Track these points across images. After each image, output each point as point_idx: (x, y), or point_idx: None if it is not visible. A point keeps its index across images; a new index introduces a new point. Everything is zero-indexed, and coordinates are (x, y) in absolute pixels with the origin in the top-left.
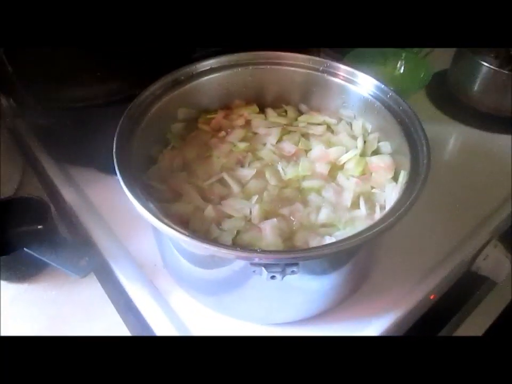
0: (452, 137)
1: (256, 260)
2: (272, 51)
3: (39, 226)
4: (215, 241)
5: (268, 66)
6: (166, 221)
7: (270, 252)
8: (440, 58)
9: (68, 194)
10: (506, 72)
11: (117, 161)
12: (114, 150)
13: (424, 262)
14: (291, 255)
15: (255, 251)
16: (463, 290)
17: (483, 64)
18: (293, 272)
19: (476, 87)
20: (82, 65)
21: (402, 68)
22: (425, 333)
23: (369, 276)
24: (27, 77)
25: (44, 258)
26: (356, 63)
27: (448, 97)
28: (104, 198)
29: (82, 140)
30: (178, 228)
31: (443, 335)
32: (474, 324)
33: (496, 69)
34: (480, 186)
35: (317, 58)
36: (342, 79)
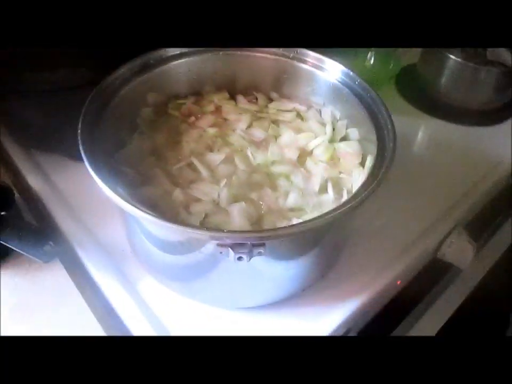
0: (421, 129)
1: (223, 240)
2: None
3: (2, 213)
4: (181, 222)
5: (239, 52)
6: (134, 203)
7: (236, 231)
8: (410, 52)
9: (34, 180)
10: (473, 65)
11: (82, 143)
12: (79, 132)
13: (391, 248)
14: (257, 234)
15: (221, 230)
16: (429, 277)
17: (450, 57)
18: (259, 253)
19: (443, 80)
20: (48, 51)
21: (372, 60)
22: (391, 319)
23: (336, 262)
24: None
25: (5, 244)
26: (326, 53)
27: (418, 90)
28: (72, 184)
29: (48, 125)
30: (147, 210)
31: (399, 335)
32: (439, 311)
33: (463, 61)
34: (446, 176)
35: None
36: (310, 66)
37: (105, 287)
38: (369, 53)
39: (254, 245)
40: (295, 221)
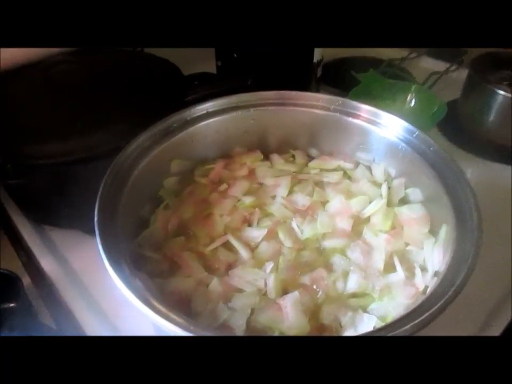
0: (469, 171)
1: None
2: (275, 90)
3: (11, 305)
4: (227, 330)
5: (271, 108)
6: (159, 307)
7: None
8: (450, 87)
9: (47, 263)
10: None
11: (99, 231)
12: (96, 215)
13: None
14: None
15: None
16: None
17: (498, 93)
18: None
19: (491, 118)
20: (58, 116)
21: (413, 102)
22: None
23: None
24: None
25: None
26: (361, 99)
27: (461, 129)
28: (90, 265)
29: (63, 199)
30: (176, 317)
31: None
32: None
33: None
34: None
35: (327, 96)
36: (359, 119)
37: None
38: (409, 95)
39: None
40: (366, 318)
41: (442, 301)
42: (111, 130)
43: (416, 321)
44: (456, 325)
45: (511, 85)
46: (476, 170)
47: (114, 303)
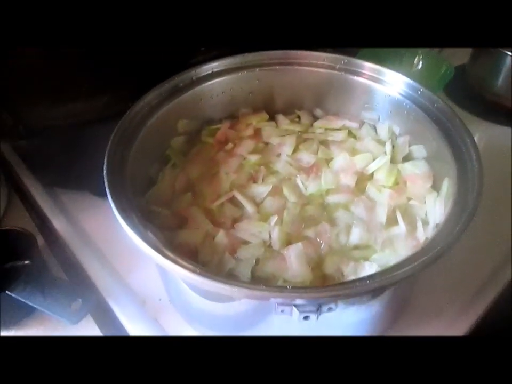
0: (477, 135)
1: (285, 301)
2: (280, 50)
3: (25, 262)
4: (232, 278)
5: (277, 67)
6: (169, 254)
7: (304, 289)
8: (456, 52)
9: (59, 223)
10: None
11: (108, 184)
12: (105, 171)
13: (469, 283)
14: (331, 292)
15: (285, 289)
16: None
17: (508, 54)
18: (330, 309)
19: (500, 81)
20: (68, 78)
21: (420, 64)
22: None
23: (407, 306)
24: (4, 92)
25: (29, 303)
26: (368, 61)
27: (470, 93)
28: (100, 225)
29: (73, 161)
30: (186, 264)
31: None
32: None
33: None
34: None
35: (332, 55)
36: (364, 78)
37: None
38: (416, 57)
39: (323, 302)
40: (367, 266)
41: (440, 247)
42: (120, 92)
43: (416, 264)
44: (457, 284)
45: None
46: (484, 134)
47: (124, 259)
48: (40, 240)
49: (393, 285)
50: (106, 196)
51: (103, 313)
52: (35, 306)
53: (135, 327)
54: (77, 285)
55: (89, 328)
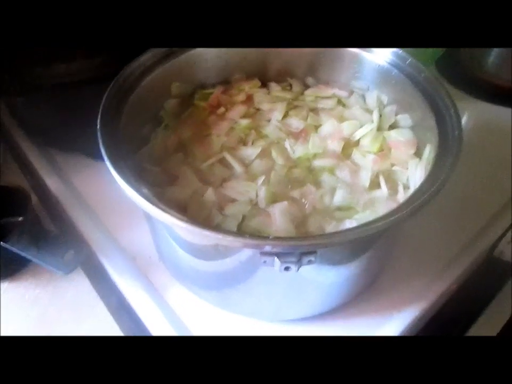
0: (466, 114)
1: (268, 249)
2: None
3: (19, 218)
4: (218, 228)
5: None
6: (161, 206)
7: (285, 239)
8: None
9: (52, 183)
10: None
11: (102, 141)
12: (98, 128)
13: (445, 250)
14: (310, 241)
15: (267, 238)
16: (484, 276)
17: None
18: (309, 262)
19: (492, 59)
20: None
21: None
22: (444, 328)
23: (387, 266)
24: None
25: (23, 254)
26: None
27: (461, 70)
28: (93, 186)
29: (67, 122)
30: (176, 214)
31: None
32: (497, 314)
33: None
34: (501, 165)
35: None
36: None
37: (131, 297)
38: None
39: (303, 253)
40: (347, 222)
41: (415, 204)
42: (115, 53)
43: (392, 218)
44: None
45: None
46: (475, 112)
47: (116, 218)
48: (34, 198)
49: (369, 237)
50: (99, 157)
51: (94, 267)
52: (29, 257)
53: (125, 282)
54: (69, 238)
55: (80, 282)
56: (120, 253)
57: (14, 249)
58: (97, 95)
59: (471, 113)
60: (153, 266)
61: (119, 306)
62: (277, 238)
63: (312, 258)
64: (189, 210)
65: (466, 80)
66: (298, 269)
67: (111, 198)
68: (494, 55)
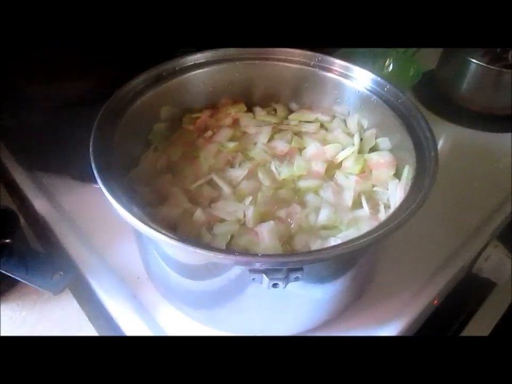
0: (442, 137)
1: (257, 266)
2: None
3: (7, 240)
4: (209, 246)
5: (256, 62)
6: (153, 225)
7: (273, 255)
8: (427, 58)
9: (40, 204)
10: (496, 68)
11: (94, 161)
12: (91, 150)
13: (425, 266)
14: (297, 258)
15: (256, 255)
16: (463, 293)
17: (472, 61)
18: (296, 278)
19: (465, 86)
20: (54, 60)
21: (391, 67)
22: None
23: (371, 282)
24: None
25: (12, 275)
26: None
27: (437, 97)
28: (80, 207)
29: (55, 144)
30: (169, 233)
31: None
32: (477, 328)
33: (486, 65)
34: (475, 186)
35: (308, 53)
36: (336, 74)
37: (119, 318)
38: (388, 59)
39: (291, 270)
40: (332, 240)
41: (396, 221)
42: (102, 78)
43: (374, 235)
44: (416, 264)
45: (484, 55)
46: (450, 135)
47: (104, 238)
48: (21, 220)
49: (353, 254)
50: (87, 180)
51: (82, 288)
52: (18, 279)
53: (113, 302)
54: (57, 259)
55: (67, 302)
56: (108, 273)
57: (3, 271)
58: (85, 118)
59: (447, 136)
60: (142, 286)
61: (107, 327)
62: (267, 255)
63: (299, 275)
64: (179, 229)
65: (441, 105)
66: (285, 286)
67: (98, 218)
68: (467, 81)
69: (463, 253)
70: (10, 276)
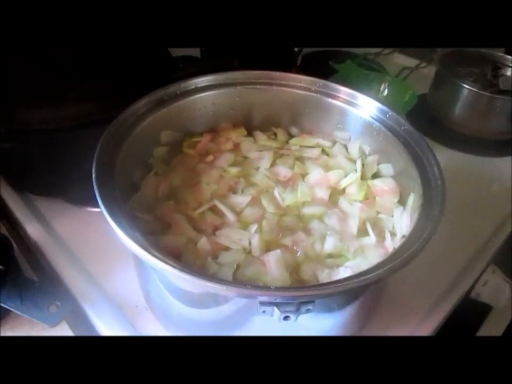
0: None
1: (269, 299)
2: (261, 70)
3: (0, 268)
4: (219, 279)
5: (257, 86)
6: (160, 256)
7: (286, 289)
8: (419, 82)
9: (33, 230)
10: (488, 94)
11: (97, 188)
12: (94, 176)
13: (426, 295)
14: (312, 291)
15: (269, 288)
16: (461, 317)
17: (464, 87)
18: (308, 310)
19: (457, 110)
20: (51, 82)
21: (386, 91)
22: None
23: (375, 312)
24: None
25: (6, 305)
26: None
27: (430, 121)
28: (75, 232)
29: (50, 168)
30: (176, 264)
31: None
32: None
33: (478, 91)
34: (470, 210)
35: (309, 78)
36: (340, 101)
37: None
38: (383, 85)
39: (302, 303)
40: (341, 271)
41: (407, 253)
42: (103, 101)
43: (386, 268)
44: (422, 291)
45: (476, 80)
46: (443, 159)
47: (100, 266)
48: (14, 246)
49: (365, 287)
50: (83, 204)
51: (79, 319)
52: (12, 309)
53: (111, 333)
54: (53, 288)
55: (63, 333)
56: (106, 302)
57: None
58: (81, 141)
59: (440, 159)
60: (141, 315)
61: None
62: (280, 288)
63: (310, 307)
64: (184, 258)
65: (434, 128)
66: (297, 318)
67: (93, 243)
68: (459, 106)
69: (462, 280)
70: (2, 306)
